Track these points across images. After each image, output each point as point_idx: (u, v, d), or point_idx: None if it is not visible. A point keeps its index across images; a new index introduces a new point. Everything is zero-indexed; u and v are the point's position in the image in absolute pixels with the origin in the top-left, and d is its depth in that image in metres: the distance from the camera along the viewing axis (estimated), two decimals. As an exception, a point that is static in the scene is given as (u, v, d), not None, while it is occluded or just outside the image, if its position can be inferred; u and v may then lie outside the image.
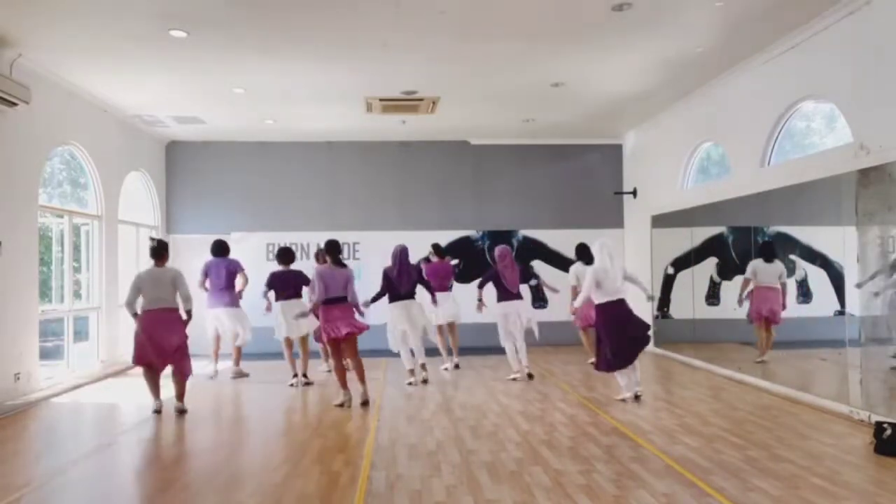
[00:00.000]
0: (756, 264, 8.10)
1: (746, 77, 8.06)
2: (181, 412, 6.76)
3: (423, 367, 8.31)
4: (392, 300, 8.04)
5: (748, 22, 6.70)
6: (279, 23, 6.59)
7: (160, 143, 11.64)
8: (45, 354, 8.29)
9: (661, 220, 10.63)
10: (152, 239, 7.43)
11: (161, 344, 6.64)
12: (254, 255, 11.14)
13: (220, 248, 9.03)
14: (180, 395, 6.85)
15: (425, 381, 8.22)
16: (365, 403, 7.01)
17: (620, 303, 6.91)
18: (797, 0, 6.21)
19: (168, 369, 6.86)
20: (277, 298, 8.56)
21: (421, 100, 9.39)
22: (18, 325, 7.47)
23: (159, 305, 6.70)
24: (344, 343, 7.08)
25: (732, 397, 7.18)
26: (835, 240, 6.68)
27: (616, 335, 6.84)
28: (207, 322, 8.96)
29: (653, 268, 10.61)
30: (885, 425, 5.00)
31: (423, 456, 5.13)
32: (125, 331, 10.12)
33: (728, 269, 8.95)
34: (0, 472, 4.97)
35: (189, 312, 6.83)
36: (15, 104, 7.05)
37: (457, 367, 9.31)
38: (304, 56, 7.57)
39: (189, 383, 6.94)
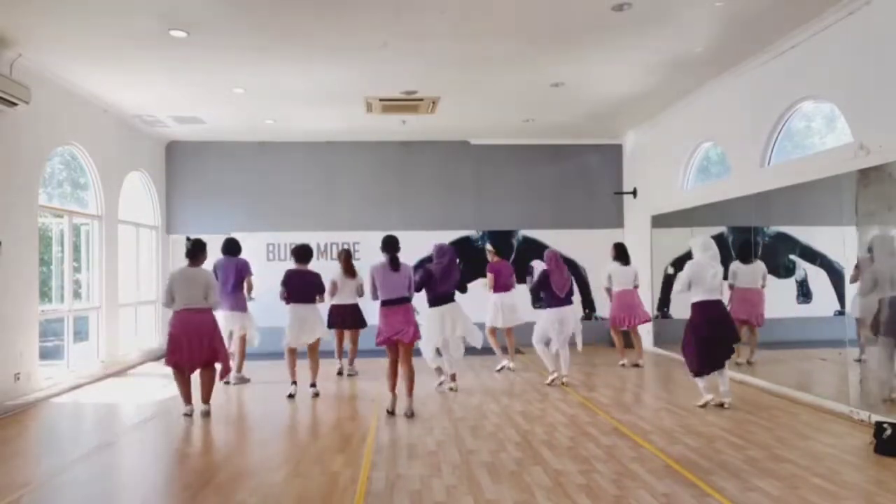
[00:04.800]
0: (735, 266, 8.05)
1: (746, 77, 8.06)
2: (205, 414, 6.69)
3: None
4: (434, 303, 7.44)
5: (748, 22, 6.70)
6: (279, 23, 6.59)
7: (160, 143, 11.64)
8: (45, 354, 8.28)
9: (661, 220, 10.62)
10: (188, 239, 7.33)
11: (192, 345, 6.55)
12: (253, 256, 11.10)
13: (230, 247, 8.57)
14: (205, 396, 6.77)
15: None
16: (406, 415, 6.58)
17: (718, 304, 6.66)
18: (797, 0, 6.22)
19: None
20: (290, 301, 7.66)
21: (421, 100, 9.39)
22: (18, 325, 7.47)
23: (192, 305, 6.57)
24: (402, 347, 6.66)
25: (732, 397, 7.18)
26: (835, 240, 6.68)
27: (708, 337, 6.55)
28: None
29: (653, 268, 10.60)
30: (885, 425, 5.01)
31: (423, 456, 5.13)
32: (125, 331, 10.17)
33: (728, 270, 8.93)
34: (0, 472, 4.97)
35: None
36: (15, 104, 7.05)
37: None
38: (304, 56, 7.57)
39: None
